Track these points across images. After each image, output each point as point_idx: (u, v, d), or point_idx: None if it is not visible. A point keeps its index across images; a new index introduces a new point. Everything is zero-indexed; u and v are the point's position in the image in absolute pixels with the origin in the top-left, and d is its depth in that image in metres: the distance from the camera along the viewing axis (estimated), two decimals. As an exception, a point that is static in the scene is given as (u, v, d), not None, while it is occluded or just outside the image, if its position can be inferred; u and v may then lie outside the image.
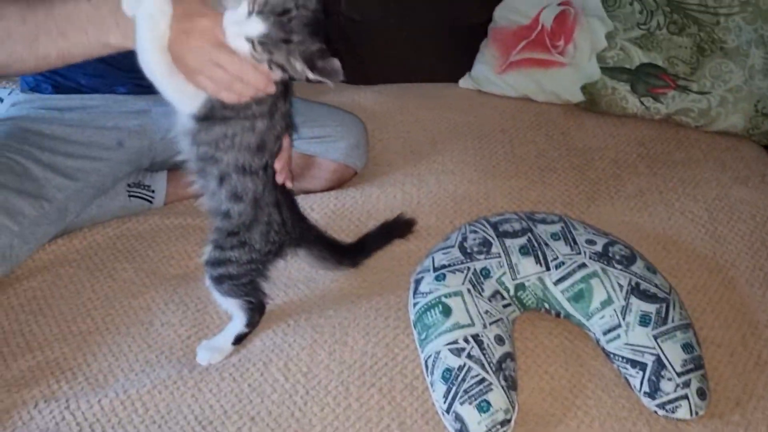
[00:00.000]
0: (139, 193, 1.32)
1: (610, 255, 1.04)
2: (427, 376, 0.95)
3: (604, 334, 0.99)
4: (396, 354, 1.01)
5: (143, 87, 1.36)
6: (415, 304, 1.02)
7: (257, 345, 1.02)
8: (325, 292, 1.11)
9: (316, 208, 1.27)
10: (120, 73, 1.32)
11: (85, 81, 1.32)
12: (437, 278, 1.02)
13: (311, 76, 0.84)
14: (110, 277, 1.14)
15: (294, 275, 1.14)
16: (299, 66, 0.83)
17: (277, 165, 0.96)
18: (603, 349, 1.00)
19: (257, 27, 0.82)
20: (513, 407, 0.90)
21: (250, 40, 0.83)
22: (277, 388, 0.95)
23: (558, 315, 1.04)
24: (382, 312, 1.07)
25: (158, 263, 1.17)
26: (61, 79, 1.32)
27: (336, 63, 0.84)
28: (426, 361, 0.96)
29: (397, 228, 1.18)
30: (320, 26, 0.85)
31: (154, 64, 0.88)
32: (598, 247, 1.05)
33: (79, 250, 1.19)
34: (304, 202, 1.27)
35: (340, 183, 1.32)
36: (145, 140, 1.34)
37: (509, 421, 0.89)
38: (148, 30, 0.86)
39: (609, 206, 1.27)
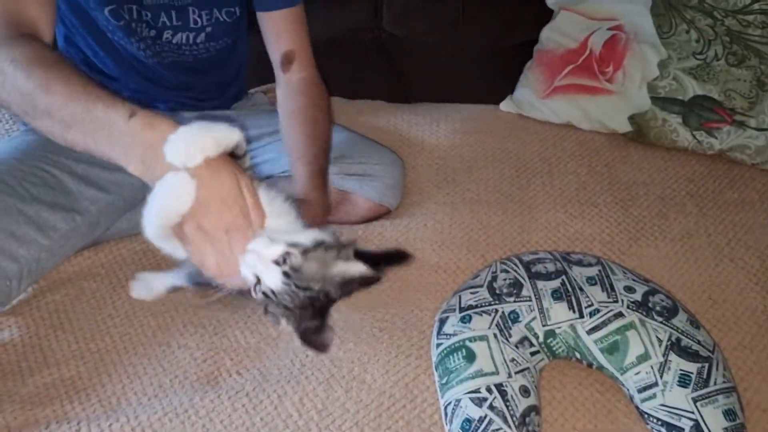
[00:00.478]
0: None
1: (650, 305, 0.98)
2: (446, 424, 0.91)
3: (639, 392, 0.93)
4: (415, 396, 0.97)
5: (185, 105, 1.38)
6: (437, 345, 0.98)
7: (273, 374, 1.00)
8: (346, 323, 1.08)
9: (344, 235, 1.24)
10: (162, 89, 1.32)
11: (127, 94, 1.33)
12: (463, 320, 0.97)
13: (297, 343, 0.85)
14: (132, 293, 1.14)
15: (316, 303, 1.12)
16: (288, 329, 0.84)
17: None
18: (637, 408, 0.94)
19: (272, 280, 0.79)
20: (536, 467, 0.85)
21: (257, 280, 0.80)
22: (290, 425, 0.93)
23: (590, 366, 0.99)
24: (404, 349, 1.03)
25: (181, 282, 1.16)
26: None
27: (328, 338, 0.86)
28: (446, 408, 0.92)
29: (391, 259, 1.12)
30: (327, 309, 0.86)
31: (154, 227, 0.84)
32: (638, 296, 0.99)
33: (104, 263, 1.19)
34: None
35: (372, 219, 1.30)
36: None
37: (530, 482, 0.84)
38: (173, 198, 0.80)
39: (652, 248, 1.21)
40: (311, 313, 0.83)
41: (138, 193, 1.24)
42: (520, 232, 1.24)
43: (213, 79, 1.36)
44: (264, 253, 0.79)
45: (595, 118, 1.45)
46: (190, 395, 0.97)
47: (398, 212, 1.29)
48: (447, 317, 1.00)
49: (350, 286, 0.86)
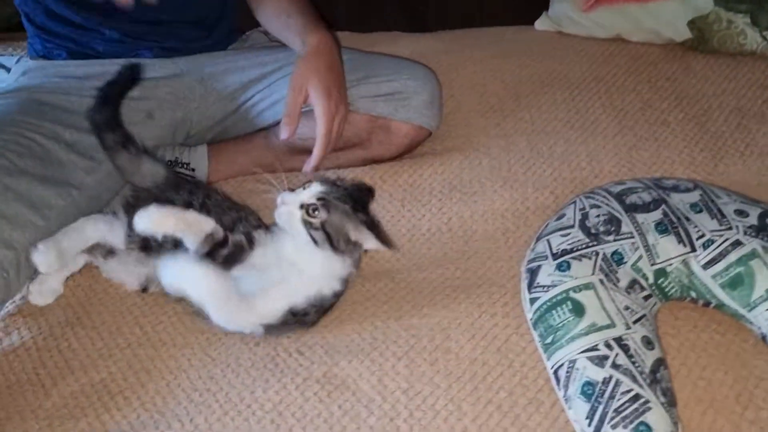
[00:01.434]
0: (178, 172, 1.15)
1: (770, 229, 0.86)
2: (559, 389, 0.79)
3: (775, 329, 0.81)
4: (511, 361, 0.84)
5: (171, 49, 1.20)
6: (532, 300, 0.85)
7: (342, 351, 0.86)
8: (413, 286, 0.94)
9: (388, 180, 1.09)
10: (140, 34, 1.14)
11: (103, 48, 1.15)
12: (560, 267, 0.84)
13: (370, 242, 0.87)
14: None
15: (373, 266, 0.98)
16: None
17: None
18: (772, 348, 0.82)
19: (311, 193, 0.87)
20: (678, 429, 0.74)
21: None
22: (374, 410, 0.80)
23: (707, 305, 0.87)
24: (486, 308, 0.90)
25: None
26: (74, 46, 1.14)
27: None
28: (556, 371, 0.79)
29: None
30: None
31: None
32: (752, 219, 0.87)
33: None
34: (371, 174, 1.10)
35: (411, 148, 1.14)
36: (178, 110, 1.17)
37: (675, 447, 0.73)
38: None
39: (740, 165, 1.08)
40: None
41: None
42: (588, 161, 1.10)
43: (191, 15, 1.18)
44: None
45: (649, 27, 1.30)
46: (250, 387, 0.83)
47: (446, 147, 1.14)
48: (539, 266, 0.86)
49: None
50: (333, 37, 1.10)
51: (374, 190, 0.95)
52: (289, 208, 0.85)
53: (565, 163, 1.10)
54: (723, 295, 0.84)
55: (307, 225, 0.84)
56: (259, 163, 1.14)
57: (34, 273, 0.93)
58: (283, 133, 1.03)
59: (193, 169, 1.16)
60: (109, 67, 1.10)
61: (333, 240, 0.84)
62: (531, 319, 0.84)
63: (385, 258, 0.99)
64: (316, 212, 0.84)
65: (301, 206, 0.85)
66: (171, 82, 1.16)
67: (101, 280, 0.98)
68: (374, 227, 0.87)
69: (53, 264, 0.90)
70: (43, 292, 0.94)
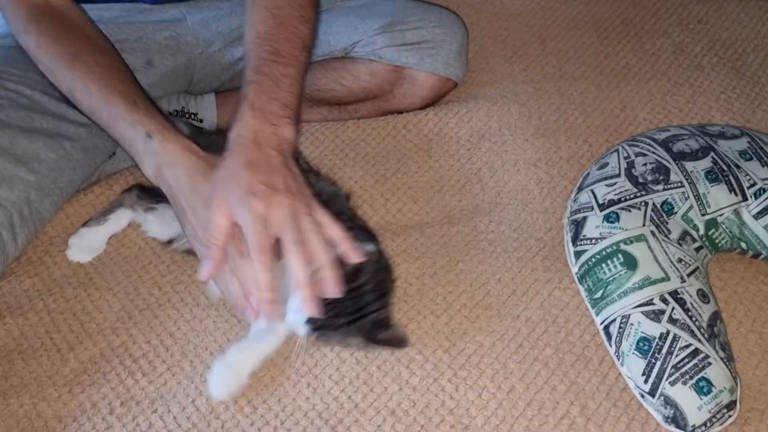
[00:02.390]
0: (184, 123, 1.08)
1: (823, 176, 0.83)
2: (611, 345, 0.76)
3: (829, 280, 0.79)
4: (555, 317, 0.81)
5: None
6: (578, 254, 0.81)
7: (373, 312, 0.82)
8: (445, 240, 0.90)
9: (412, 129, 1.04)
10: None
11: None
12: (608, 219, 0.80)
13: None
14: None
15: (401, 219, 0.93)
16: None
17: None
18: (826, 299, 0.80)
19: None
20: (737, 384, 0.71)
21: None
22: (415, 371, 0.76)
23: (756, 256, 0.84)
24: (526, 262, 0.86)
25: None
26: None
27: (400, 330, 0.77)
28: (607, 328, 0.76)
29: None
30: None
31: None
32: (804, 167, 0.84)
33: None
34: (394, 123, 1.05)
35: (436, 100, 1.08)
36: (180, 57, 1.08)
37: (735, 402, 0.70)
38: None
39: (779, 111, 1.04)
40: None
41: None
42: (622, 108, 1.05)
43: None
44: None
45: (679, -35, 1.24)
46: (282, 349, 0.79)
47: (470, 94, 1.09)
48: (584, 218, 0.82)
49: None
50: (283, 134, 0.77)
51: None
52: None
53: (597, 110, 1.05)
54: (775, 246, 0.81)
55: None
56: None
57: (31, 231, 0.88)
58: (201, 273, 0.73)
59: (201, 120, 1.09)
60: (105, 12, 1.02)
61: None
62: (577, 273, 0.81)
63: (413, 211, 0.94)
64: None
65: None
66: (172, 26, 1.08)
67: (114, 239, 0.92)
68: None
69: (86, 256, 0.89)
70: (83, 248, 0.89)
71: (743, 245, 0.83)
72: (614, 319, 0.75)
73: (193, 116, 1.09)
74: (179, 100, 1.09)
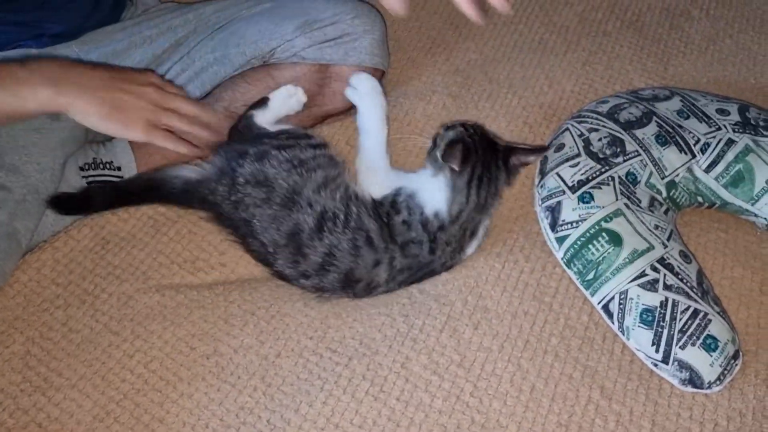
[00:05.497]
0: (101, 175, 0.97)
1: (753, 122, 0.89)
2: (612, 322, 0.78)
3: (779, 217, 0.86)
4: (550, 305, 0.82)
5: (57, 36, 0.98)
6: (561, 239, 0.82)
7: (377, 339, 0.79)
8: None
9: (342, 139, 0.99)
10: (22, 29, 0.93)
11: None
12: (583, 199, 0.82)
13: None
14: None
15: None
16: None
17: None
18: (779, 235, 0.87)
19: None
20: (736, 332, 0.76)
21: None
22: (435, 393, 0.74)
23: (711, 206, 0.90)
24: (506, 257, 0.86)
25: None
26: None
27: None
28: (606, 306, 0.78)
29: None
30: None
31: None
32: (735, 116, 0.90)
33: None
34: (326, 134, 1.00)
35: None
36: None
37: (739, 351, 0.75)
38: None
39: (686, 65, 1.11)
40: None
41: (48, 175, 0.90)
42: (549, 83, 1.08)
43: None
44: None
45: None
46: (292, 405, 0.73)
47: (401, 92, 1.06)
48: (558, 203, 0.84)
49: None
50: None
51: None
52: None
53: (528, 89, 1.07)
54: (727, 195, 0.87)
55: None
56: (195, 145, 0.99)
57: None
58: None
59: (118, 167, 0.98)
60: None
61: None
62: (563, 259, 0.82)
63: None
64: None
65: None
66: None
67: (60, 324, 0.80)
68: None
69: None
70: None
71: (700, 199, 0.89)
72: (612, 297, 0.77)
73: (108, 165, 0.97)
74: (86, 151, 0.98)
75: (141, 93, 0.87)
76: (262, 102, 0.93)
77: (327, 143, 0.89)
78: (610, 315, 0.78)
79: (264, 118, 0.92)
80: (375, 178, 0.87)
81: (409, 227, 0.82)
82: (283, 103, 0.94)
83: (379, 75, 1.04)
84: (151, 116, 0.87)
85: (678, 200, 0.87)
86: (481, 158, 0.83)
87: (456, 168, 0.81)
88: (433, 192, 0.83)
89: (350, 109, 1.03)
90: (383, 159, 0.89)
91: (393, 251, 0.81)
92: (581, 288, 0.81)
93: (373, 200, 0.85)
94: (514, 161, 0.85)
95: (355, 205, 0.83)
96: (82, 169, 0.96)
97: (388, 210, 0.84)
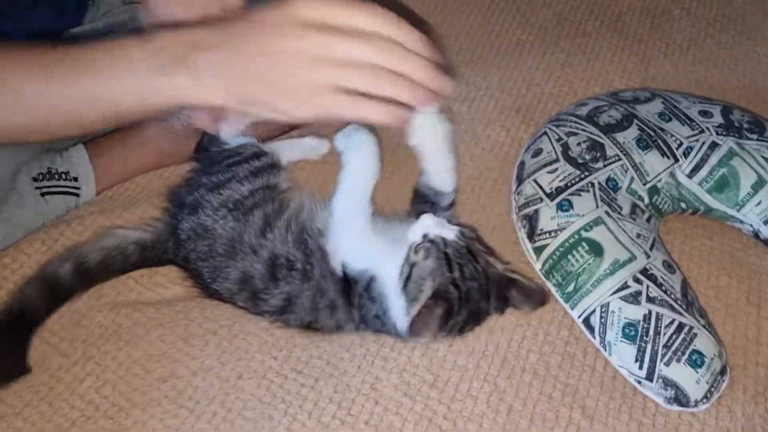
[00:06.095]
0: (56, 186, 0.91)
1: (737, 124, 0.86)
2: (594, 337, 0.74)
3: (766, 223, 0.82)
4: (529, 319, 0.78)
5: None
6: (539, 249, 0.78)
7: (345, 359, 0.74)
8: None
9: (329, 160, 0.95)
10: None
11: None
12: (561, 207, 0.78)
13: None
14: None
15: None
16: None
17: None
18: (766, 241, 0.84)
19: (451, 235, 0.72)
20: (723, 346, 0.72)
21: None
22: (407, 416, 0.69)
23: (695, 212, 0.86)
24: (483, 267, 0.82)
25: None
26: None
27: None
28: (587, 319, 0.74)
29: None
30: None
31: None
32: (717, 118, 0.87)
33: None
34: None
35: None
36: None
37: (726, 367, 0.71)
38: None
39: (667, 65, 1.08)
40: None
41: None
42: (527, 86, 1.04)
43: None
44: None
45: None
46: None
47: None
48: (536, 211, 0.79)
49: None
50: None
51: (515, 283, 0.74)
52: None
53: (504, 92, 1.03)
54: (711, 200, 0.84)
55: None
56: (157, 155, 0.94)
57: None
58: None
59: (75, 178, 0.92)
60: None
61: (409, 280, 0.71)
62: (541, 270, 0.78)
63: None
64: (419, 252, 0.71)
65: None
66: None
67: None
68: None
69: None
70: None
71: (683, 205, 0.85)
72: (593, 310, 0.73)
73: (64, 176, 0.92)
74: (41, 161, 0.92)
75: (297, 46, 0.57)
76: None
77: (273, 164, 0.81)
78: (591, 329, 0.74)
79: (230, 131, 0.86)
80: (345, 238, 0.76)
81: (384, 324, 0.73)
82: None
83: None
84: (328, 78, 0.57)
85: (660, 206, 0.83)
86: (468, 308, 0.71)
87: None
88: (403, 319, 0.71)
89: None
90: (360, 220, 0.76)
91: (361, 327, 0.75)
92: (561, 301, 0.77)
93: (344, 273, 0.74)
94: (510, 299, 0.73)
95: (316, 259, 0.74)
96: (35, 179, 0.90)
97: (361, 293, 0.73)
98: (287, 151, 0.89)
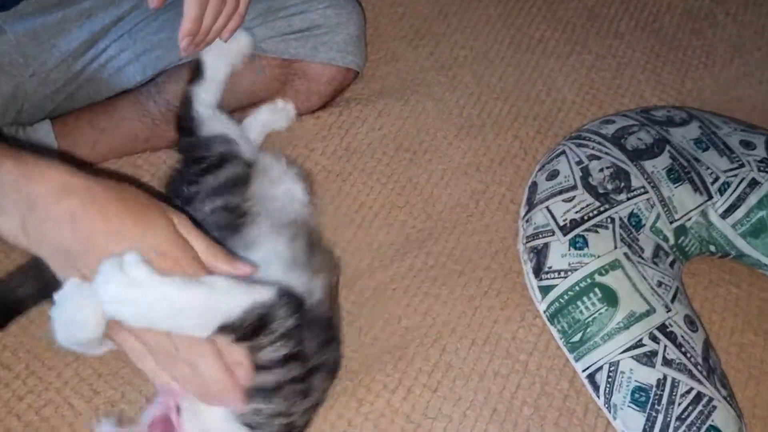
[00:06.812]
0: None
1: (782, 159, 0.76)
2: (598, 396, 0.65)
3: (804, 276, 0.73)
4: (526, 364, 0.69)
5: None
6: (545, 289, 0.69)
7: (320, 420, 0.66)
8: (378, 291, 0.74)
9: (317, 148, 0.85)
10: None
11: None
12: (575, 244, 0.69)
13: None
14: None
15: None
16: None
17: None
18: (801, 297, 0.75)
19: None
20: (743, 422, 0.64)
21: None
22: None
23: (725, 256, 0.77)
24: (479, 302, 0.73)
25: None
26: None
27: None
28: (592, 376, 0.65)
29: None
30: None
31: None
32: (761, 151, 0.77)
33: None
34: (294, 143, 0.87)
35: (335, 96, 0.90)
36: (7, 82, 0.82)
37: (745, 444, 0.63)
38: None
39: (707, 78, 0.97)
40: None
41: None
42: (547, 90, 0.94)
43: None
44: None
45: None
46: None
47: (374, 90, 0.92)
48: (546, 245, 0.70)
49: None
50: None
51: None
52: None
53: (521, 96, 0.93)
54: (744, 245, 0.74)
55: None
56: (129, 140, 0.85)
57: None
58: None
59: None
60: None
61: None
62: (546, 312, 0.69)
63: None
64: None
65: None
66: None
67: None
68: None
69: None
70: None
71: (712, 248, 0.75)
72: (601, 367, 0.65)
73: (25, 155, 0.83)
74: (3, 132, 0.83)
75: None
76: (198, 72, 0.78)
77: (241, 176, 0.71)
78: (595, 387, 0.65)
79: (206, 98, 0.77)
80: None
81: None
82: (222, 66, 0.78)
83: (352, 77, 0.89)
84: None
85: (687, 249, 0.74)
86: None
87: None
88: None
89: (314, 111, 0.88)
90: None
91: None
92: (564, 349, 0.68)
93: None
94: None
95: None
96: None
97: None
98: (256, 124, 0.84)
